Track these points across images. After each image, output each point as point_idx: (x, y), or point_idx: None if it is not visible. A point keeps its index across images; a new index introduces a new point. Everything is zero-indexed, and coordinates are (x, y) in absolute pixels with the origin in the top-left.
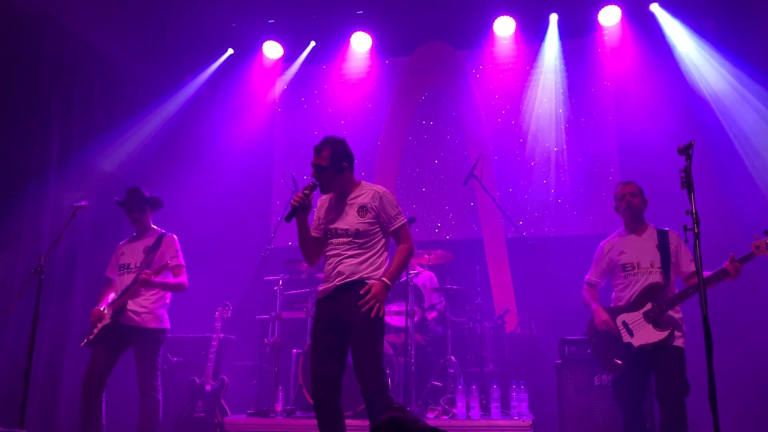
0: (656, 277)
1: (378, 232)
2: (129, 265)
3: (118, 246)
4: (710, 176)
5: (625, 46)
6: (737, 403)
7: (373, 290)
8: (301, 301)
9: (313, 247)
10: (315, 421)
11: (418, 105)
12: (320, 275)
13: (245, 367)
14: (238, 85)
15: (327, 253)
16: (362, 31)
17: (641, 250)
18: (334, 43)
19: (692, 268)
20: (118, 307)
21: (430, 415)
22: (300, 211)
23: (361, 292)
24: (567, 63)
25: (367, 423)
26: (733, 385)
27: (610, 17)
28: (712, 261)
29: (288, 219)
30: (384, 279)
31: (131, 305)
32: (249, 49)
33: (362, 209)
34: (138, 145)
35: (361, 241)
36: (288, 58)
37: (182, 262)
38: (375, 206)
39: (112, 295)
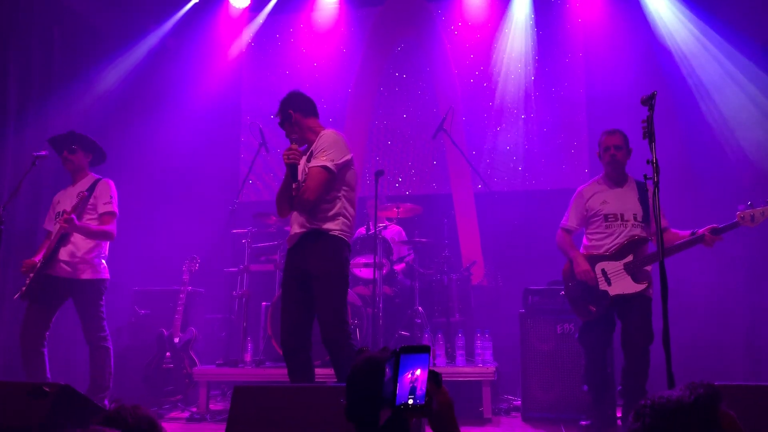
0: (639, 231)
1: None
2: (64, 212)
3: (55, 196)
4: (673, 127)
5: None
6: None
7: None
8: (269, 254)
9: (289, 201)
10: (284, 371)
11: (394, 55)
12: (288, 228)
13: (214, 319)
14: (203, 36)
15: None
16: None
17: (624, 201)
18: None
19: (664, 223)
20: (47, 256)
21: None
22: (297, 164)
23: None
24: (537, 16)
25: None
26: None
27: None
28: (672, 209)
29: (295, 178)
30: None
31: (63, 255)
32: None
33: (310, 155)
34: (100, 96)
35: None
36: (255, 8)
37: (114, 210)
38: (316, 147)
39: None
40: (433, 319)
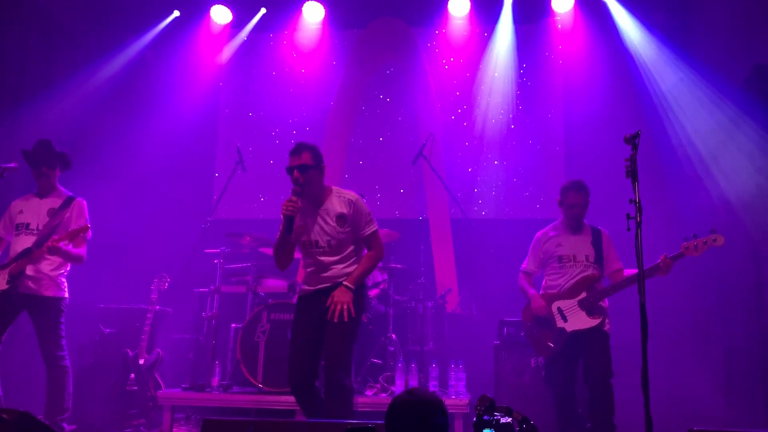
0: (591, 270)
1: (352, 236)
2: (29, 225)
3: (13, 203)
4: (654, 165)
5: (576, 34)
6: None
7: (336, 297)
8: (242, 275)
9: (290, 255)
10: (251, 397)
11: (381, 77)
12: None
13: (181, 340)
14: (183, 50)
15: (305, 260)
16: (315, 0)
17: (578, 244)
18: (285, 12)
19: (617, 265)
20: (16, 272)
21: (369, 393)
22: (294, 217)
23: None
24: (519, 53)
25: None
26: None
27: (563, 3)
28: (648, 247)
29: (290, 231)
30: (345, 283)
31: (28, 270)
32: (196, 13)
33: (341, 219)
34: (75, 107)
35: (338, 247)
36: (237, 25)
37: (88, 234)
38: (350, 214)
39: None
40: (407, 347)
